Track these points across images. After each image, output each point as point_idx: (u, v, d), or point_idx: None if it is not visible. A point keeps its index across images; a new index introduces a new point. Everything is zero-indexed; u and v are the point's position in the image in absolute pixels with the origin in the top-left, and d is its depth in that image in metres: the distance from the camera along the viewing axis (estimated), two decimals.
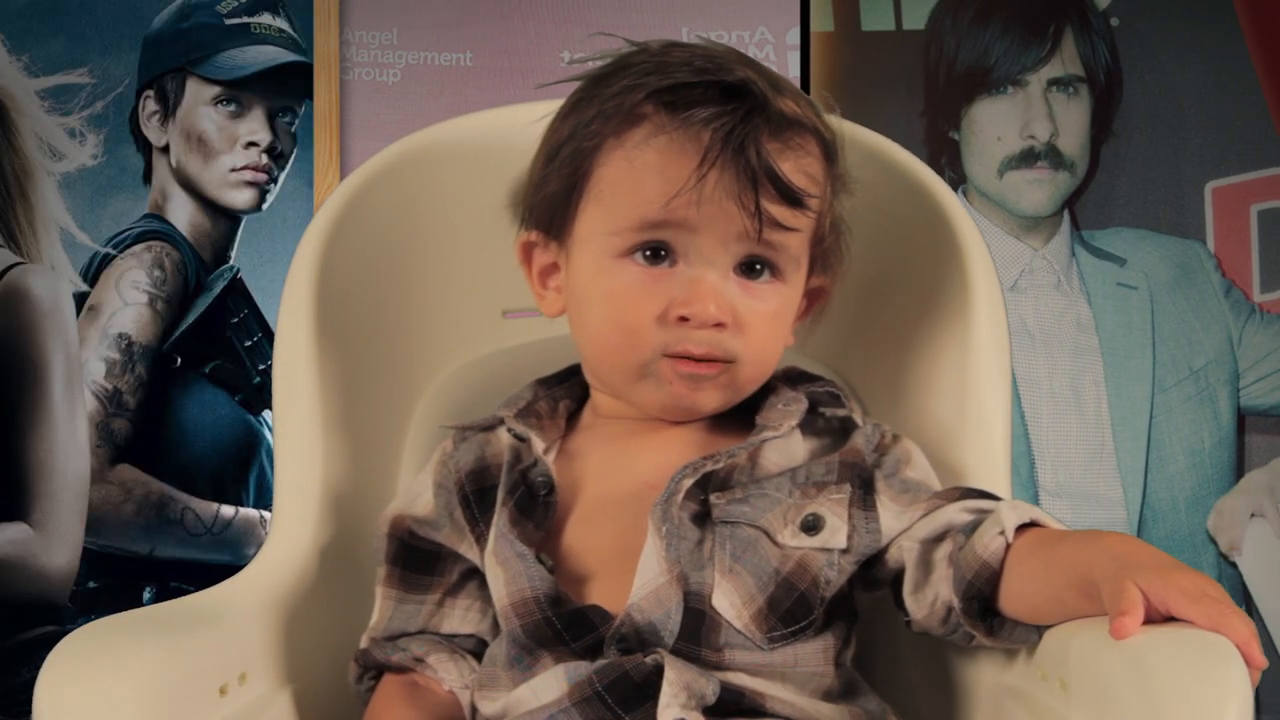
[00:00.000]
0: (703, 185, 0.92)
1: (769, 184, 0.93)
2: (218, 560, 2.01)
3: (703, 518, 0.94)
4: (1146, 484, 2.04)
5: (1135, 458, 2.03)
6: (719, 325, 0.95)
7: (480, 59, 2.07)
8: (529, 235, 1.03)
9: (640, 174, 0.94)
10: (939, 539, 0.94)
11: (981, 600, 0.90)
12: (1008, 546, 0.89)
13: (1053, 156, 2.06)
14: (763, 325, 0.97)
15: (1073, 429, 2.03)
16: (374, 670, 1.01)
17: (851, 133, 1.14)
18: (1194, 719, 0.71)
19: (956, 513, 0.93)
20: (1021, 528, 0.89)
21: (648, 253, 0.95)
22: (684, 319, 0.94)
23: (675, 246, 0.95)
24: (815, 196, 0.96)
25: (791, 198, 0.94)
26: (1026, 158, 2.06)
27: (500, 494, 0.99)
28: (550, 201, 0.99)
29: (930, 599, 0.94)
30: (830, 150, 0.99)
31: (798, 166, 0.95)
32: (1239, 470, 2.05)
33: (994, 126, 2.06)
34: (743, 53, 0.98)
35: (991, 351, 1.09)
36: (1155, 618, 0.78)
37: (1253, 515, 2.03)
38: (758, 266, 0.96)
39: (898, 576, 0.96)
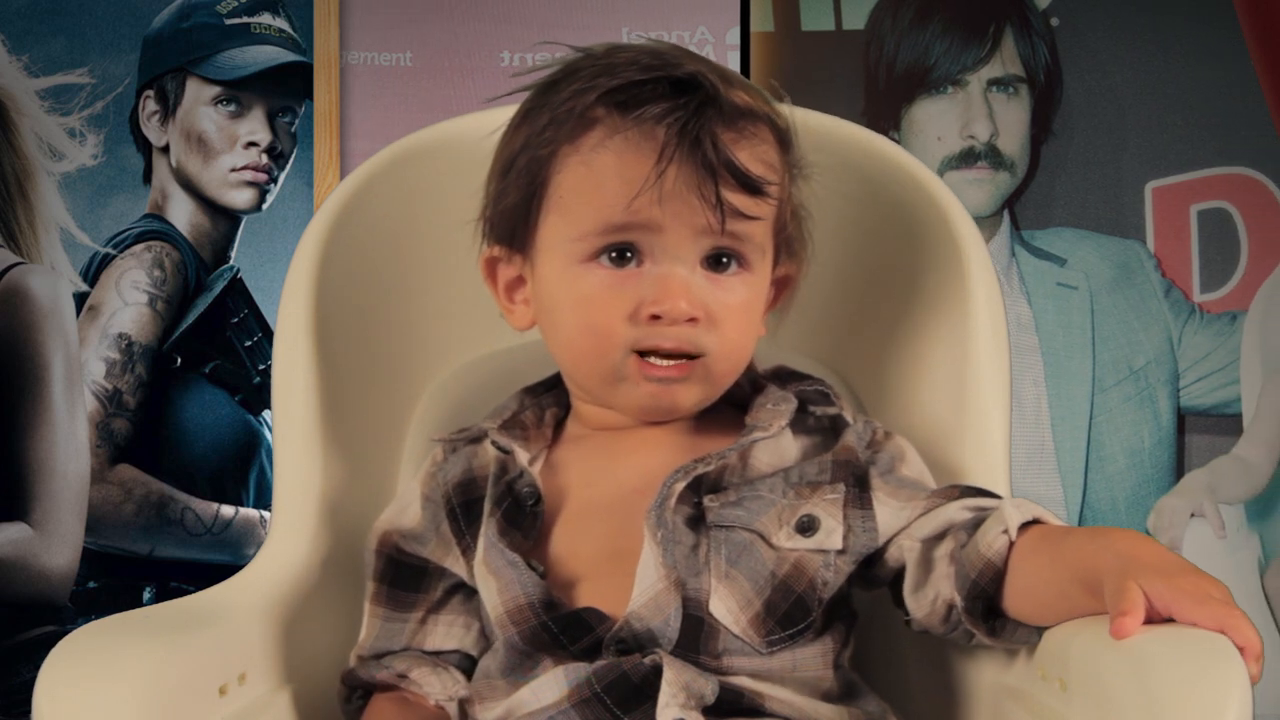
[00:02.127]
0: (662, 182, 0.92)
1: (728, 174, 0.92)
2: (218, 560, 2.01)
3: (696, 521, 0.94)
4: (1086, 484, 2.04)
5: (1075, 457, 2.03)
6: (691, 321, 0.94)
7: (420, 59, 2.07)
8: (491, 250, 1.02)
9: (599, 177, 0.94)
10: (939, 537, 0.93)
11: (986, 600, 0.90)
12: (1011, 544, 0.88)
13: (993, 156, 2.06)
14: (734, 317, 0.96)
15: (1013, 429, 2.04)
16: (362, 690, 1.01)
17: (850, 131, 1.14)
18: (1194, 719, 0.71)
19: (957, 511, 0.93)
20: (1024, 525, 0.89)
21: (614, 254, 0.95)
22: (655, 317, 0.94)
23: (641, 246, 0.94)
24: (774, 183, 0.96)
25: (751, 186, 0.93)
26: (966, 158, 2.05)
27: (487, 505, 0.99)
28: (510, 214, 0.99)
29: (931, 597, 0.93)
30: (784, 137, 0.99)
31: (754, 155, 0.95)
32: (1179, 470, 2.05)
33: (934, 126, 2.06)
34: (687, 48, 0.98)
35: (990, 347, 1.09)
36: (1157, 619, 0.77)
37: (1192, 515, 2.03)
38: (724, 259, 0.96)
39: (898, 575, 0.96)
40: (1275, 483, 2.04)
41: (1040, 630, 0.89)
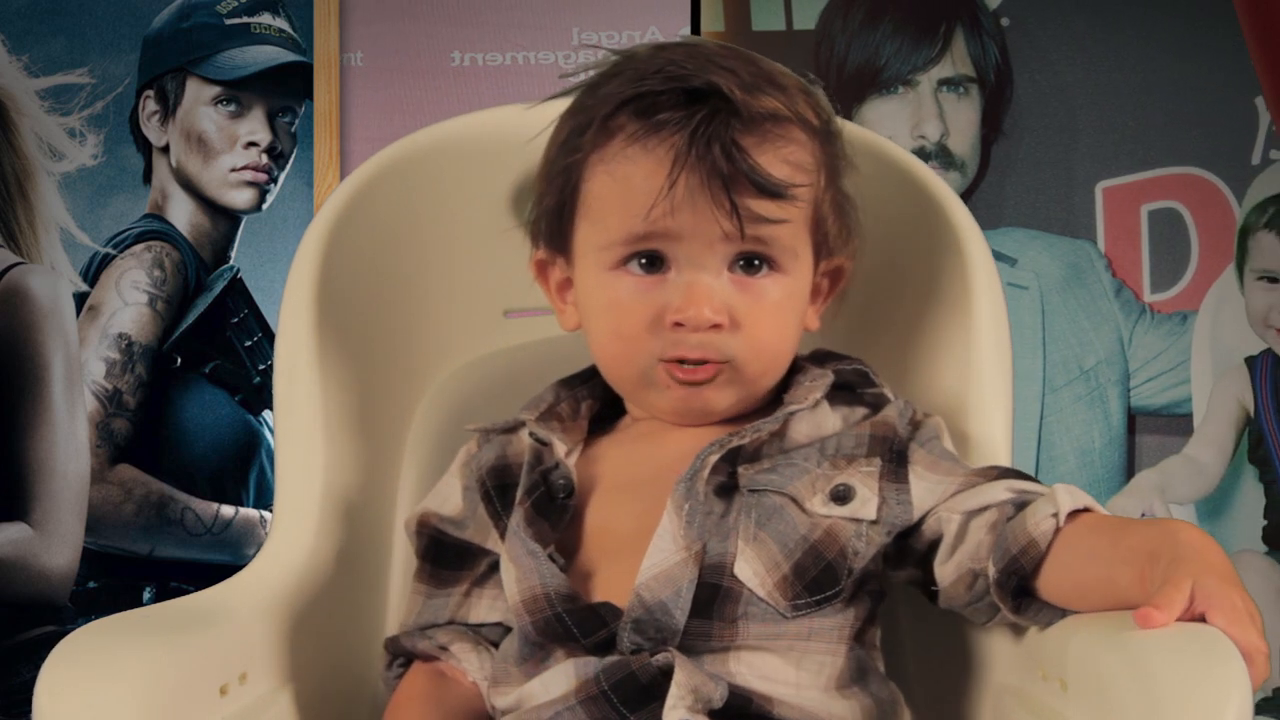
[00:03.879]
0: (675, 191, 0.92)
1: (745, 180, 0.92)
2: (218, 560, 2.01)
3: (729, 490, 0.94)
4: None
5: (1025, 458, 2.02)
6: (716, 327, 0.95)
7: (370, 59, 2.07)
8: (539, 253, 1.03)
9: (620, 186, 0.95)
10: (981, 511, 0.92)
11: (1020, 576, 0.89)
12: (1058, 529, 0.87)
13: (943, 156, 2.05)
14: (764, 319, 0.96)
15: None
16: (403, 658, 1.02)
17: (850, 131, 1.14)
18: (1194, 719, 0.71)
19: (1001, 490, 0.92)
20: (1074, 513, 0.88)
21: (643, 261, 0.96)
22: (679, 324, 0.94)
23: (666, 254, 0.95)
24: (801, 185, 0.95)
25: (770, 190, 0.93)
26: (917, 157, 2.05)
27: (519, 493, 0.99)
28: (549, 218, 1.00)
29: (960, 564, 0.92)
30: (822, 134, 0.98)
31: (779, 156, 0.94)
32: (1129, 470, 2.04)
33: (885, 126, 2.05)
34: (736, 49, 0.98)
35: (992, 338, 1.09)
36: (1186, 617, 0.77)
37: (1143, 515, 2.02)
38: (756, 262, 0.96)
39: (930, 548, 0.95)
40: (1225, 483, 2.04)
41: (1064, 612, 0.88)
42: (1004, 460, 1.05)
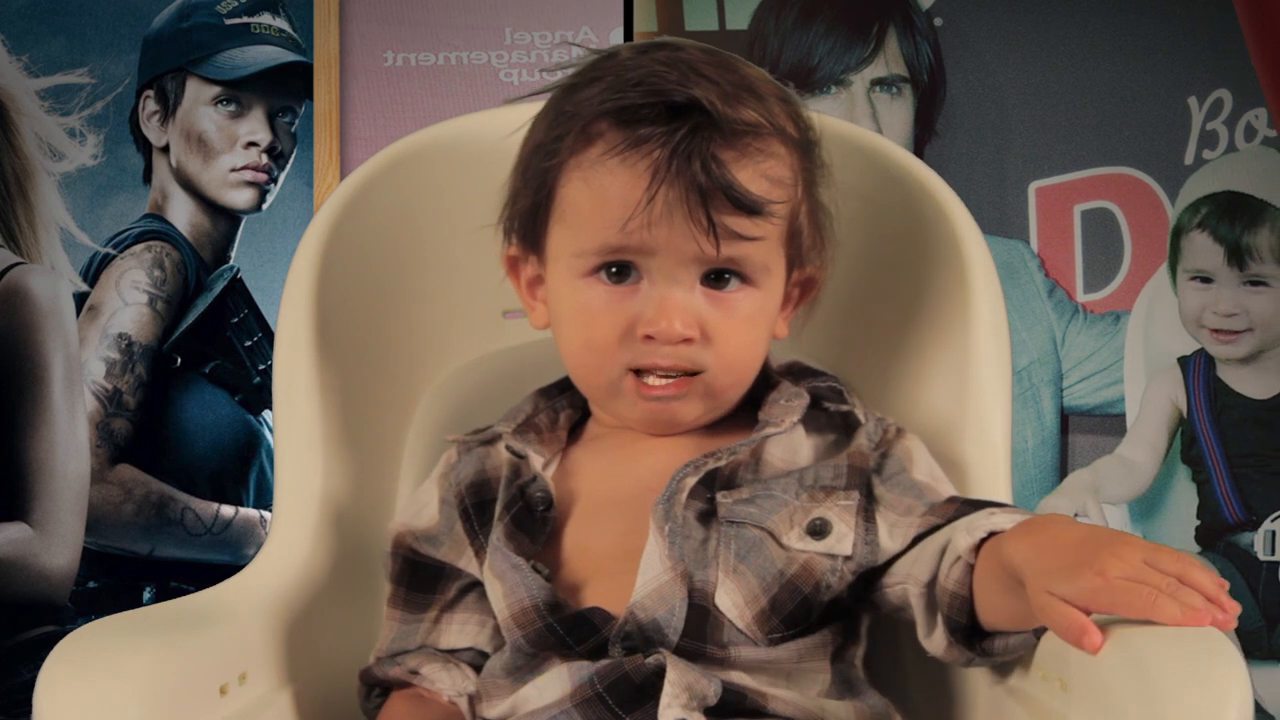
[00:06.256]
0: (653, 207, 0.92)
1: (722, 197, 0.92)
2: (218, 560, 2.01)
3: (708, 516, 0.94)
4: None
5: None
6: (687, 340, 0.94)
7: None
8: (511, 249, 1.03)
9: (596, 196, 0.94)
10: (936, 580, 0.91)
11: (965, 632, 0.88)
12: (970, 567, 0.87)
13: None
14: (735, 334, 0.96)
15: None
16: (380, 687, 1.02)
17: (848, 132, 1.14)
18: (1194, 719, 0.71)
19: (958, 534, 0.90)
20: (983, 541, 0.87)
21: (613, 270, 0.95)
22: (650, 337, 0.94)
23: (638, 266, 0.95)
24: (778, 201, 0.95)
25: (747, 206, 0.93)
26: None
27: (498, 509, 0.99)
28: (523, 217, 1.00)
29: (937, 642, 0.91)
30: (801, 146, 0.98)
31: (757, 172, 0.94)
32: (1062, 470, 2.04)
33: None
34: (717, 53, 0.97)
35: (991, 344, 1.09)
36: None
37: (1076, 515, 2.02)
38: (726, 276, 0.96)
39: (900, 609, 0.94)
40: (1158, 483, 2.03)
41: (1037, 632, 0.88)
42: (1003, 478, 1.05)
